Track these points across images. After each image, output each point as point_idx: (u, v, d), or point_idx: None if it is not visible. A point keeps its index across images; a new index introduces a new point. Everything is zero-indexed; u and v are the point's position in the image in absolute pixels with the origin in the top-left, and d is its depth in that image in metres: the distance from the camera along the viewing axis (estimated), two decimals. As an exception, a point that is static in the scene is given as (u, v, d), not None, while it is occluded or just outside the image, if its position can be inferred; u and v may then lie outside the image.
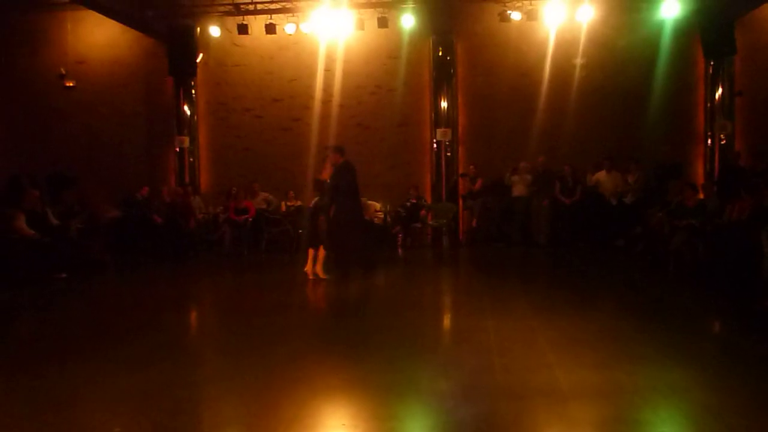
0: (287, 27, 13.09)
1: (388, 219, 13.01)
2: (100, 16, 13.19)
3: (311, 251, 8.76)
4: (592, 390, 4.22)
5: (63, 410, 4.03)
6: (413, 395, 4.28)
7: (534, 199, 12.33)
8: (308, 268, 8.71)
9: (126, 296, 8.65)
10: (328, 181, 8.63)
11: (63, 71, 14.32)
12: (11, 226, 9.24)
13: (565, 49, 12.85)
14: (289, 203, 13.02)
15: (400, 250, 12.60)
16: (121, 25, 13.56)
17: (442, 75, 13.14)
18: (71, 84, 14.37)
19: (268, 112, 13.97)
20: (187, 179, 13.75)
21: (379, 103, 13.61)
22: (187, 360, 5.31)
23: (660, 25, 12.53)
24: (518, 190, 12.43)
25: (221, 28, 13.62)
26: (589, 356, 4.94)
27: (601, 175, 12.31)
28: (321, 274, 8.66)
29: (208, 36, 13.64)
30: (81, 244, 10.30)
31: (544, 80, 12.83)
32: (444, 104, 13.08)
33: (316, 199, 9.12)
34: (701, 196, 10.11)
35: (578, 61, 12.86)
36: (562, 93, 12.84)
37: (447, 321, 7.00)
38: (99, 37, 14.32)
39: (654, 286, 8.27)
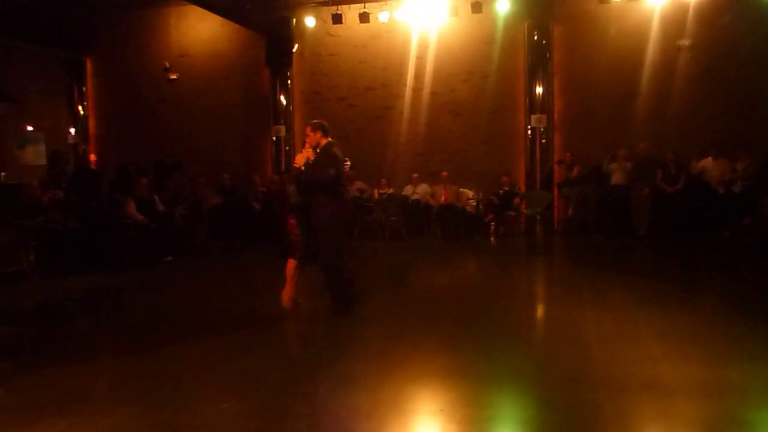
0: (381, 15, 13.16)
1: (481, 207, 12.88)
2: (202, 10, 13.69)
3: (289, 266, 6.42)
4: (701, 387, 4.05)
5: (175, 387, 4.27)
6: (512, 385, 4.25)
7: (634, 187, 11.81)
8: (286, 293, 6.41)
9: (228, 279, 9.03)
10: (303, 169, 6.25)
11: (167, 65, 15.01)
12: (123, 211, 9.84)
13: (670, 30, 12.20)
14: (381, 191, 13.13)
15: (492, 239, 12.47)
16: (220, 18, 14.01)
17: (538, 60, 12.82)
18: (174, 77, 15.03)
19: (361, 101, 14.10)
20: (283, 167, 14.11)
21: (472, 90, 13.44)
22: (287, 342, 5.50)
23: (775, 2, 11.68)
24: (617, 177, 11.93)
25: (316, 19, 13.85)
26: (696, 352, 4.73)
27: (707, 163, 11.64)
28: (285, 300, 6.37)
29: (304, 27, 13.90)
30: (185, 229, 10.83)
31: (646, 63, 12.26)
32: (539, 90, 12.76)
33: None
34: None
35: (683, 42, 12.21)
36: (666, 76, 12.23)
37: (544, 312, 6.88)
38: (200, 31, 14.91)
39: (766, 281, 7.78)
